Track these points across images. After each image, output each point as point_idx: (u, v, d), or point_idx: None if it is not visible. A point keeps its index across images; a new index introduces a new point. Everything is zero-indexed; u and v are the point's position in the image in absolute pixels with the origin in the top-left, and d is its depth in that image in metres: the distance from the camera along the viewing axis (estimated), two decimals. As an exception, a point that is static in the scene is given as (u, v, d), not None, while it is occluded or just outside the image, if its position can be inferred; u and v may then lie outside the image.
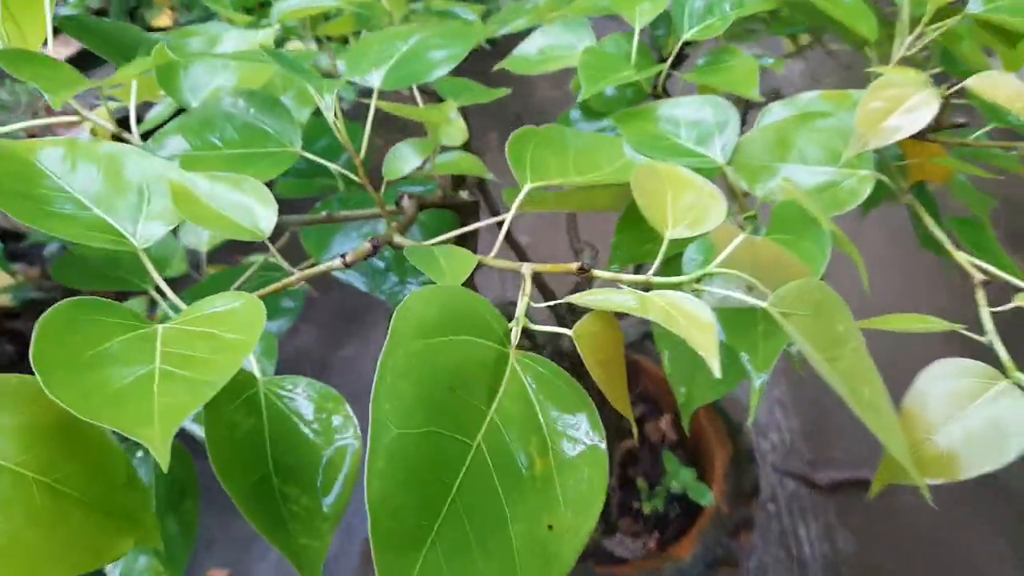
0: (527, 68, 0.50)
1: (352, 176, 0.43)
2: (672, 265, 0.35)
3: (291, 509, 0.33)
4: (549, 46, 0.51)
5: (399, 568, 0.22)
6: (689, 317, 0.29)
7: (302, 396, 0.36)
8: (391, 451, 0.23)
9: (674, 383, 0.41)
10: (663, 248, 0.32)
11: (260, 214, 0.37)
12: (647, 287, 0.32)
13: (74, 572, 0.28)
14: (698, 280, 0.32)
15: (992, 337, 0.36)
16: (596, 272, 0.32)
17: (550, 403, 0.29)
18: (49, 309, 0.29)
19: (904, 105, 0.40)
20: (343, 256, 0.37)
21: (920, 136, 0.46)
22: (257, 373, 0.35)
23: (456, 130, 0.52)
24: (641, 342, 1.09)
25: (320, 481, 0.34)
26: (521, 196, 0.37)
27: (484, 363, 0.28)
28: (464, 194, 0.56)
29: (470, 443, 0.26)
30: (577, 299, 0.30)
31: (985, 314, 0.37)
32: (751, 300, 0.35)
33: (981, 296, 0.38)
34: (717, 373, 0.27)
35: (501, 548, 0.25)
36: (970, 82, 0.40)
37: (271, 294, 0.34)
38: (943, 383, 0.34)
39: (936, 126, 0.44)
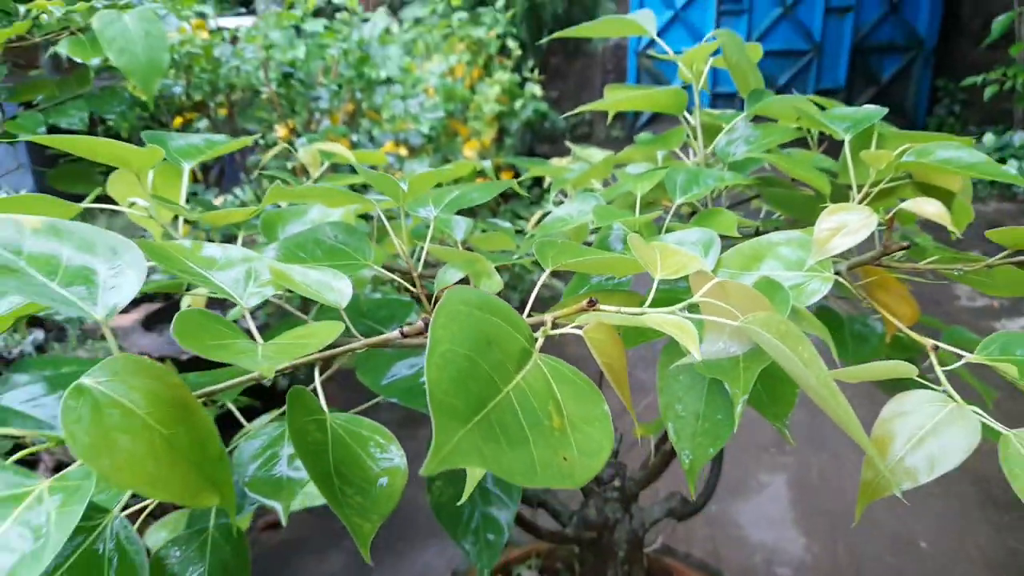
0: (560, 226, 0.62)
1: (409, 287, 0.54)
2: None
3: (347, 500, 0.39)
4: (572, 212, 0.64)
5: (449, 430, 0.28)
6: (675, 325, 0.38)
7: (359, 428, 0.44)
8: (444, 356, 0.30)
9: (680, 450, 0.47)
10: (654, 286, 0.41)
11: (336, 287, 0.47)
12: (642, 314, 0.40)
13: (171, 498, 0.34)
14: (683, 308, 0.40)
15: (946, 386, 0.43)
16: (603, 307, 0.41)
17: (566, 387, 0.36)
18: (179, 313, 0.39)
19: (847, 227, 0.51)
20: (401, 328, 0.47)
21: (873, 261, 0.56)
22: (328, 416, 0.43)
23: (494, 284, 0.64)
24: (669, 551, 1.08)
25: (369, 488, 0.40)
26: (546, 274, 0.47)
27: (512, 348, 0.36)
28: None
29: (501, 387, 0.33)
30: (597, 313, 0.39)
31: (939, 370, 0.44)
32: (732, 349, 0.43)
33: (934, 358, 0.45)
34: (697, 356, 0.35)
35: (524, 456, 0.31)
36: (904, 205, 0.51)
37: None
38: (905, 415, 0.40)
39: (884, 251, 0.54)
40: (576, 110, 0.70)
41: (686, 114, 0.73)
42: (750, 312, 0.40)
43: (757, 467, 1.78)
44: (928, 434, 0.39)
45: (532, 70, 2.97)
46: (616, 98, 0.71)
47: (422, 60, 2.62)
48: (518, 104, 2.82)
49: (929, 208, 0.51)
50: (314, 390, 0.45)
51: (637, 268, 0.45)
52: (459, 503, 0.66)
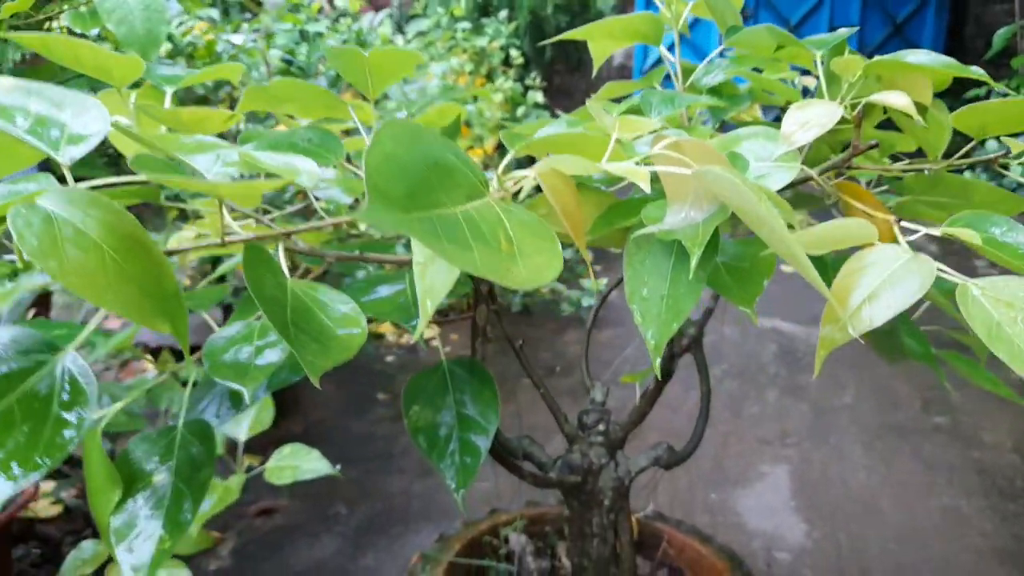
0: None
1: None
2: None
3: (303, 342, 0.39)
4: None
5: (384, 208, 0.29)
6: (629, 171, 0.38)
7: (320, 294, 0.44)
8: (388, 156, 0.31)
9: (644, 330, 0.47)
10: (611, 145, 0.41)
11: (304, 167, 0.47)
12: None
13: (122, 312, 0.34)
14: (640, 162, 0.40)
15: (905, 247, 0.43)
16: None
17: (519, 225, 0.36)
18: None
19: (813, 119, 0.51)
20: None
21: (843, 164, 0.56)
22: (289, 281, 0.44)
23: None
24: (661, 516, 1.07)
25: (327, 340, 0.41)
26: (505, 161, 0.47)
27: (463, 180, 0.36)
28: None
29: (448, 205, 0.33)
30: (554, 159, 0.39)
31: (901, 240, 0.44)
32: (693, 215, 0.44)
33: (897, 229, 0.45)
34: (647, 189, 0.35)
35: (466, 254, 0.31)
36: (871, 98, 0.52)
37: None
38: (865, 268, 0.40)
39: (853, 151, 0.54)
40: (556, 38, 0.71)
41: (666, 52, 0.73)
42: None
43: (759, 459, 1.76)
44: (885, 283, 0.38)
45: (535, 79, 3.00)
46: (594, 33, 0.72)
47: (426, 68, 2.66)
48: (520, 111, 2.85)
49: (896, 99, 0.51)
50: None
51: (604, 144, 0.46)
52: (415, 338, 0.66)
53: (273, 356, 0.51)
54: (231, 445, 1.30)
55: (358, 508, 1.59)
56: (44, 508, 1.45)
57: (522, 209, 0.38)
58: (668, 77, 0.75)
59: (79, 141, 0.40)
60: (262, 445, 1.76)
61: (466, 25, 2.92)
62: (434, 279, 0.37)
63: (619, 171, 0.38)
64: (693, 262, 0.41)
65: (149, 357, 1.83)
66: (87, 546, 1.16)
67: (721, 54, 0.73)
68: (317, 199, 0.61)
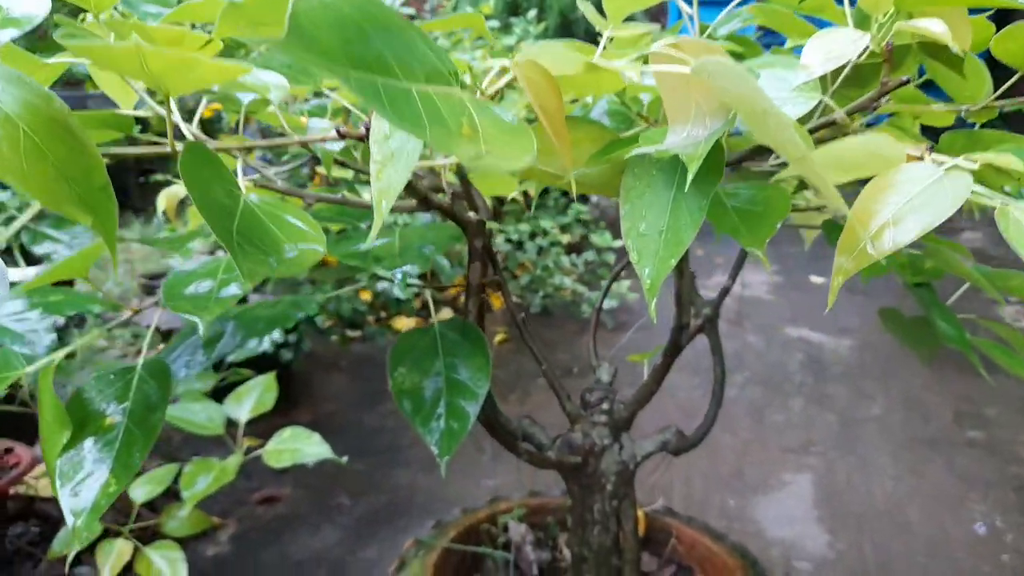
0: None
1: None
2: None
3: (245, 251, 0.35)
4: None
5: (313, 58, 0.24)
6: (624, 67, 0.33)
7: (279, 210, 0.40)
8: (324, 4, 0.27)
9: (640, 269, 0.42)
10: (603, 40, 0.37)
11: (271, 80, 0.44)
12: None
13: (37, 196, 0.30)
14: (637, 60, 0.36)
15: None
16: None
17: (489, 120, 0.32)
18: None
19: (835, 48, 0.46)
20: (338, 129, 0.43)
21: (871, 103, 0.51)
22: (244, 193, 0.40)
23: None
24: (671, 512, 1.01)
25: (276, 254, 0.36)
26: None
27: (422, 58, 0.31)
28: (472, 215, 0.61)
29: (399, 75, 0.29)
30: (533, 53, 0.34)
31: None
32: (696, 133, 0.39)
33: (928, 158, 0.40)
34: (638, 79, 0.31)
35: (415, 125, 0.27)
36: (905, 24, 0.47)
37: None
38: (893, 186, 0.35)
39: (882, 89, 0.49)
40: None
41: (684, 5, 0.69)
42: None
43: (780, 468, 1.69)
44: (913, 202, 0.33)
45: (562, 80, 2.95)
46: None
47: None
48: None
49: (932, 26, 0.46)
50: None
51: (590, 52, 0.41)
52: (422, 387, 0.62)
53: (236, 289, 0.47)
54: (233, 428, 1.27)
55: (362, 500, 1.55)
56: (44, 487, 1.43)
57: (498, 107, 0.33)
58: (685, 30, 0.71)
59: (16, 24, 0.36)
60: (269, 433, 1.73)
61: (494, 24, 2.89)
62: (391, 178, 0.32)
63: (610, 67, 0.33)
64: (690, 175, 0.36)
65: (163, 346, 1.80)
66: (79, 522, 1.13)
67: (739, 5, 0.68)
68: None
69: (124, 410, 0.47)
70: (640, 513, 0.96)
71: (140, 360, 0.51)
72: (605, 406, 0.76)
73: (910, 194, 0.34)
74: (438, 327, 0.63)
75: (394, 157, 0.33)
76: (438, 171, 0.59)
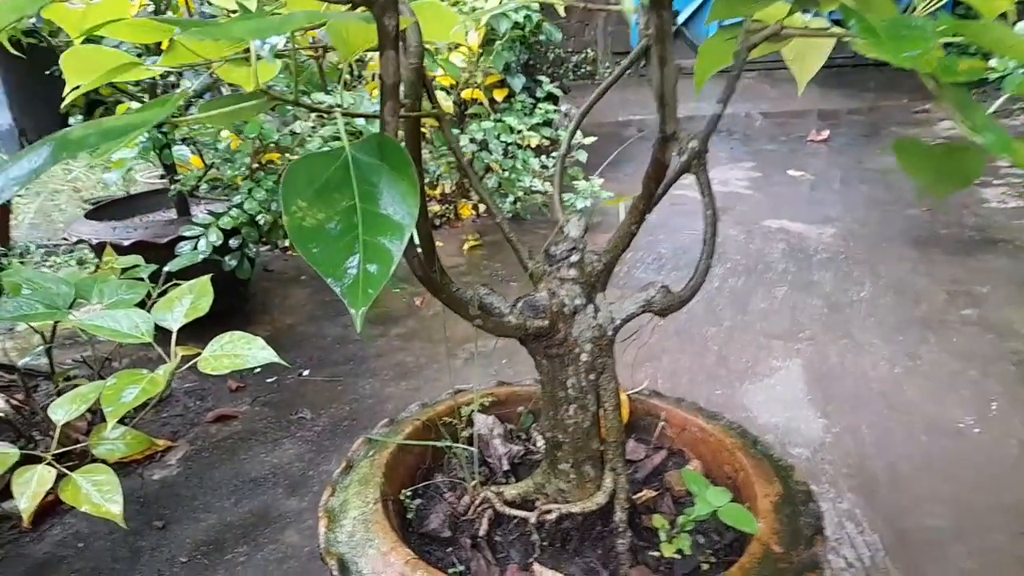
0: None
1: None
2: None
3: None
4: None
5: None
6: None
7: None
8: None
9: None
10: None
11: None
12: None
13: None
14: None
15: None
16: None
17: None
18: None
19: None
20: None
21: None
22: None
23: None
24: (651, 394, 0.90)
25: None
26: None
27: None
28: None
29: None
30: None
31: None
32: None
33: None
34: None
35: None
36: None
37: None
38: None
39: None
40: None
41: None
42: None
43: (767, 354, 1.59)
44: None
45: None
46: None
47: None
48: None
49: None
50: None
51: None
52: (330, 225, 0.48)
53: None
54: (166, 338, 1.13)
55: (324, 412, 1.43)
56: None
57: None
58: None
59: None
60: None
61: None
62: None
63: None
64: None
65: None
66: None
67: None
68: None
69: None
70: (623, 397, 0.85)
71: None
72: (575, 258, 0.63)
73: None
74: (349, 149, 0.49)
75: None
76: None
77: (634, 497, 0.73)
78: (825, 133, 3.86)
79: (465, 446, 0.78)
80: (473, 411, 0.84)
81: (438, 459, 0.81)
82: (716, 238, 0.67)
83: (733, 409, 1.38)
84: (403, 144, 0.51)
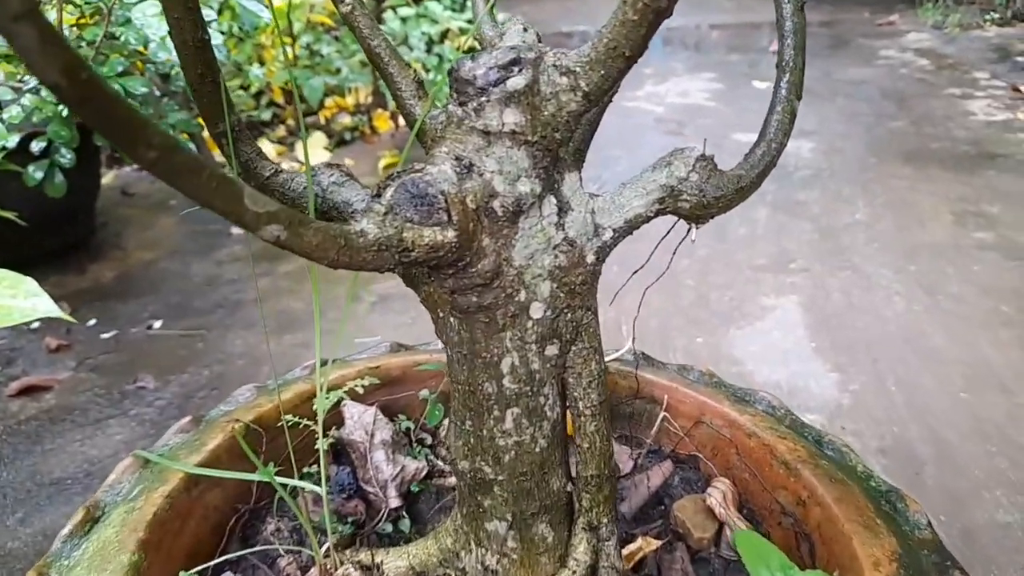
0: None
1: None
2: None
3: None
4: None
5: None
6: None
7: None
8: None
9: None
10: None
11: None
12: None
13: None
14: None
15: None
16: None
17: None
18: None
19: None
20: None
21: None
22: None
23: None
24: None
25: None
26: None
27: None
28: None
29: None
30: None
31: None
32: None
33: None
34: None
35: None
36: None
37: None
38: None
39: None
40: None
41: None
42: None
43: (755, 290, 1.27)
44: None
45: None
46: None
47: None
48: None
49: None
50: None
51: None
52: None
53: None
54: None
55: (174, 380, 1.05)
56: None
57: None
58: None
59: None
60: (63, 298, 1.20)
61: None
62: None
63: None
64: None
65: None
66: None
67: None
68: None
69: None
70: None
71: None
72: (518, 82, 0.27)
73: None
74: None
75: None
76: None
77: (623, 553, 0.39)
78: (786, 46, 3.52)
79: (307, 483, 0.42)
80: (343, 400, 0.48)
81: (271, 494, 0.45)
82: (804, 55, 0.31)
83: (720, 362, 1.06)
84: None
